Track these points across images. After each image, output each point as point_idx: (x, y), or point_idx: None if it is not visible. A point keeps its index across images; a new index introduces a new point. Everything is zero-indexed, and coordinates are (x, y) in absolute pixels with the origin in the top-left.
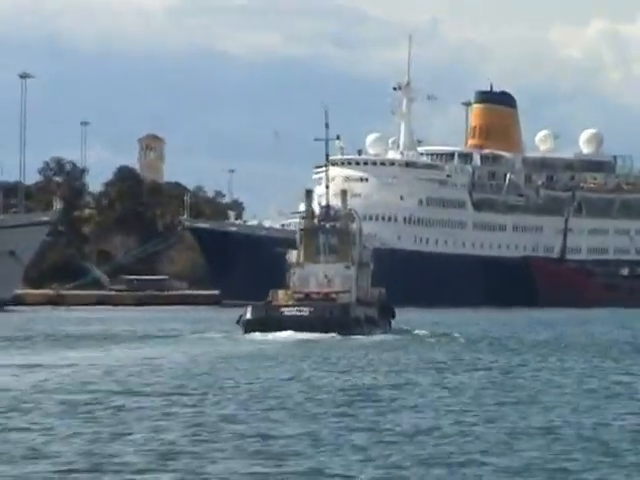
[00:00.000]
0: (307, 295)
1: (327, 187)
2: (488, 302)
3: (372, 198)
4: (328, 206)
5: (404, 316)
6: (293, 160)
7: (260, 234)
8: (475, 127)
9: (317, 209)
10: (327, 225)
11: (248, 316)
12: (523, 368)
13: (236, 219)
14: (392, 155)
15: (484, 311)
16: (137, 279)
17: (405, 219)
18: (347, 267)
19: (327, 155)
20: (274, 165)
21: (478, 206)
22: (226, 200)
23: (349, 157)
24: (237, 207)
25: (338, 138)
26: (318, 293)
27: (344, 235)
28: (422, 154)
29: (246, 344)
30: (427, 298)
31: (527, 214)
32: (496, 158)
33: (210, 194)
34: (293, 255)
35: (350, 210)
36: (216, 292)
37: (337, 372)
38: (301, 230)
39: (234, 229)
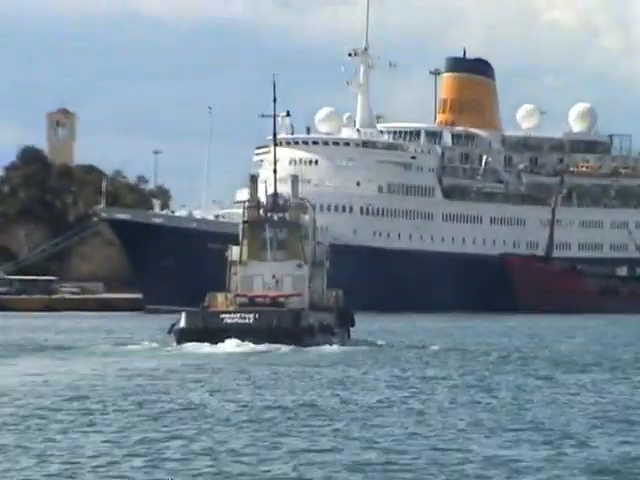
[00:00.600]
0: (251, 299)
1: (275, 171)
2: (461, 307)
3: (323, 184)
4: (276, 194)
5: (365, 324)
6: (229, 140)
7: (191, 227)
8: (445, 100)
9: (263, 197)
10: (275, 216)
11: (182, 324)
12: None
13: (162, 209)
14: (347, 133)
15: (454, 318)
16: (20, 279)
17: (362, 209)
18: (299, 266)
19: (275, 134)
20: (207, 146)
21: (449, 194)
22: (150, 186)
23: (296, 136)
24: (163, 195)
25: (288, 114)
26: (265, 297)
27: (295, 228)
28: (382, 132)
29: (172, 357)
30: (391, 303)
31: (507, 203)
32: (470, 137)
33: (131, 179)
34: (234, 252)
35: (302, 199)
36: (138, 296)
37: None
38: (244, 222)
39: (160, 221)
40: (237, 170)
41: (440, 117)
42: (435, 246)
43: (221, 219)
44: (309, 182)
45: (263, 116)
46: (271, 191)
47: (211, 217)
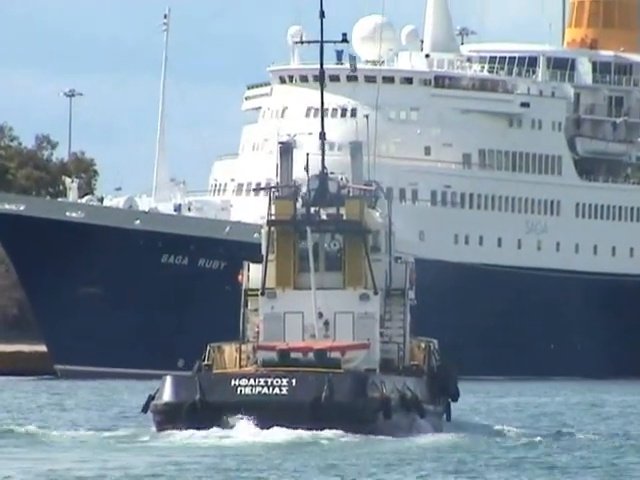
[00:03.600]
0: (284, 354)
1: (322, 138)
2: (618, 369)
3: (367, 150)
4: (324, 175)
5: (474, 395)
6: (198, 75)
7: (133, 227)
8: (581, 3)
9: (302, 181)
10: (323, 214)
11: (166, 397)
12: None
13: (82, 195)
14: (407, 62)
15: (612, 386)
16: None
17: (435, 197)
18: (364, 297)
19: (322, 71)
20: (159, 84)
21: (589, 169)
22: (59, 154)
23: (312, 67)
24: (84, 170)
25: (345, 40)
26: (307, 349)
27: (357, 234)
28: (470, 60)
29: (149, 454)
30: (487, 360)
31: None
32: (626, 68)
33: (26, 142)
34: (253, 274)
35: (371, 184)
36: (41, 348)
37: None
38: (271, 224)
39: (78, 216)
40: (214, 127)
41: (572, 34)
42: (564, 262)
43: (188, 213)
44: (339, 148)
45: (301, 43)
46: (316, 170)
47: (169, 209)
